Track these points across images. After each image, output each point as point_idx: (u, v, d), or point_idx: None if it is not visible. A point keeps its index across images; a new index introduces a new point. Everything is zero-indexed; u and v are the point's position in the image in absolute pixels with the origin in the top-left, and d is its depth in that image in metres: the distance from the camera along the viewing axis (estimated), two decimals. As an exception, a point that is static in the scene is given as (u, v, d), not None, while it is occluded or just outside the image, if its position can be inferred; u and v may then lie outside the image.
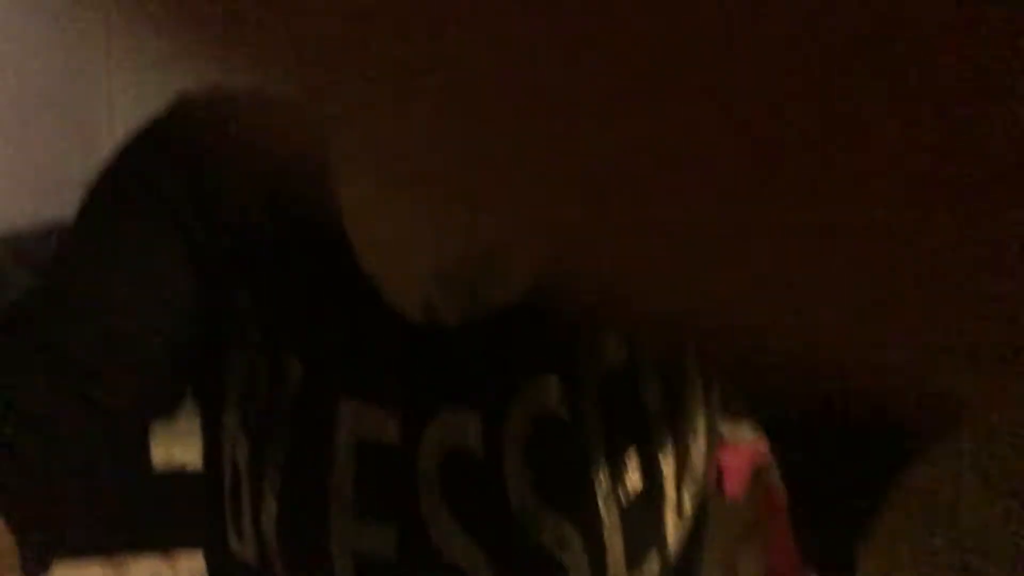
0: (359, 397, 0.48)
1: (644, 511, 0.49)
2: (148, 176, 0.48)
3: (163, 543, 0.90)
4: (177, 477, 0.76)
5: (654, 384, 0.50)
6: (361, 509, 0.48)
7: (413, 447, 0.48)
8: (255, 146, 0.49)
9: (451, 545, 0.48)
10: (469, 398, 0.48)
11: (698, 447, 0.51)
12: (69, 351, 0.43)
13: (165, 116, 0.51)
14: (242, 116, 0.51)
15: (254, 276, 0.49)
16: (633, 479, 0.49)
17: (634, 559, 0.49)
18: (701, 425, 0.52)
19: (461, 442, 0.48)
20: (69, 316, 0.45)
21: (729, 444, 2.21)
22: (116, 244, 0.47)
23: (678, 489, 0.50)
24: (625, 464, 0.49)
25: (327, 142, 0.51)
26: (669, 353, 0.50)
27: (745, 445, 2.24)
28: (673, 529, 0.50)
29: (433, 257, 0.49)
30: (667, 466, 0.50)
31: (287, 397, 0.48)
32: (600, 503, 0.48)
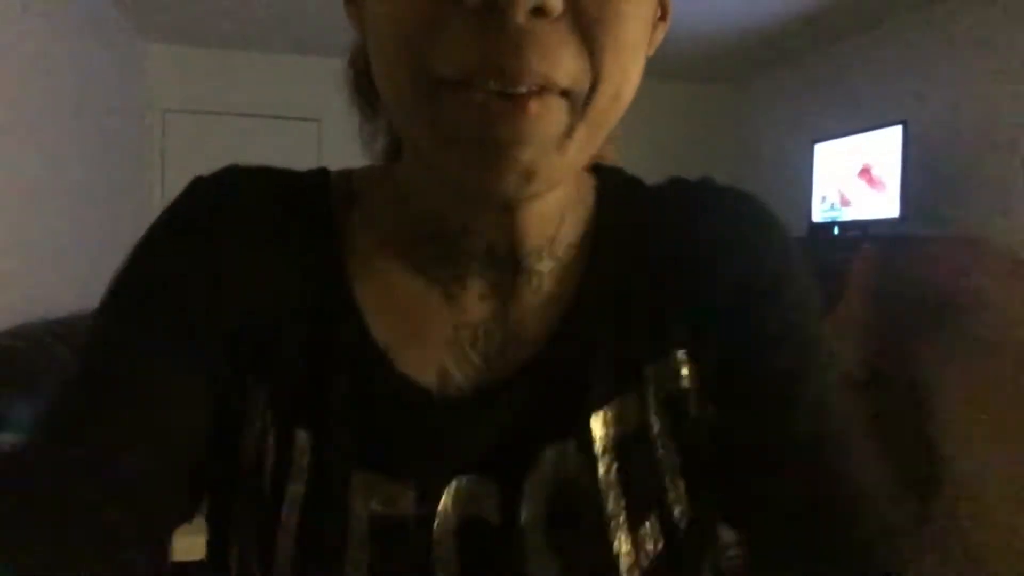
0: (372, 469, 0.47)
1: (667, 571, 0.48)
2: (164, 277, 0.48)
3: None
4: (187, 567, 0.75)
5: (670, 447, 0.50)
6: None
7: (429, 518, 0.47)
8: (272, 219, 0.51)
9: None
10: (484, 466, 0.48)
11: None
12: (96, 459, 0.43)
13: (180, 202, 0.51)
14: (261, 192, 0.52)
15: (263, 355, 0.49)
16: (653, 542, 0.48)
17: None
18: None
19: (477, 512, 0.47)
20: (91, 424, 0.44)
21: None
22: (134, 346, 0.46)
23: (696, 548, 0.50)
24: (645, 528, 0.48)
25: (336, 213, 0.48)
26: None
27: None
28: None
29: (449, 326, 0.50)
30: (684, 527, 0.49)
31: (298, 471, 0.47)
32: (623, 569, 0.47)
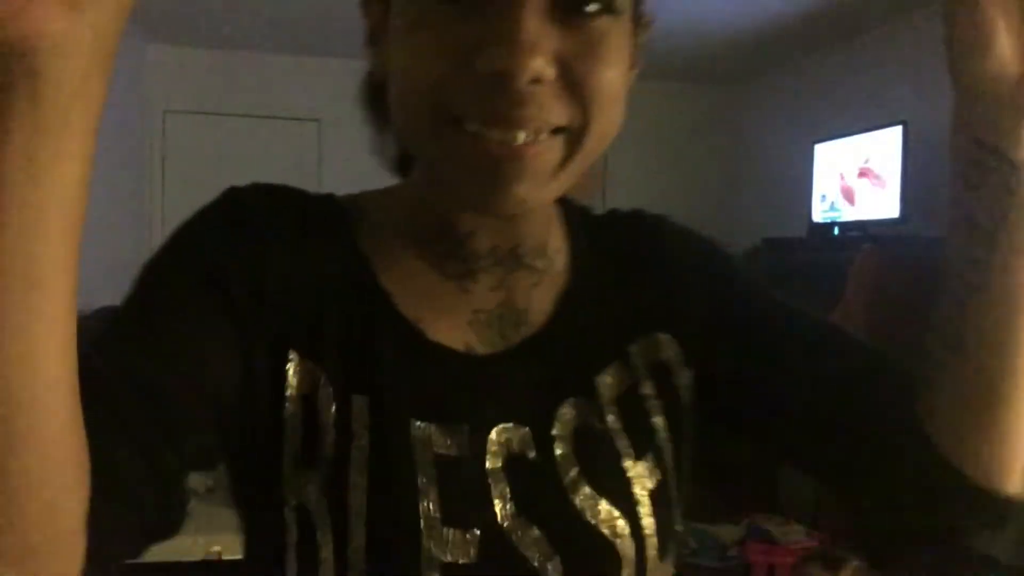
0: (426, 418, 0.55)
1: (662, 498, 0.59)
2: (198, 250, 0.55)
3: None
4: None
5: (657, 404, 0.62)
6: (447, 520, 0.53)
7: (482, 453, 0.56)
8: (299, 218, 0.58)
9: (524, 541, 0.55)
10: (517, 415, 0.58)
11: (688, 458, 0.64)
12: (123, 396, 0.47)
13: (217, 201, 0.58)
14: (285, 196, 0.60)
15: (305, 333, 0.56)
16: (652, 472, 0.60)
17: (662, 542, 0.58)
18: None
19: (518, 448, 0.57)
20: (121, 364, 0.49)
21: (780, 543, 2.25)
22: (165, 308, 0.52)
23: (677, 486, 0.62)
24: (645, 461, 0.60)
25: (357, 216, 0.57)
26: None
27: (794, 542, 2.28)
28: (679, 525, 0.62)
29: (468, 311, 0.60)
30: (671, 465, 0.62)
31: (360, 430, 0.54)
32: (635, 489, 0.58)
